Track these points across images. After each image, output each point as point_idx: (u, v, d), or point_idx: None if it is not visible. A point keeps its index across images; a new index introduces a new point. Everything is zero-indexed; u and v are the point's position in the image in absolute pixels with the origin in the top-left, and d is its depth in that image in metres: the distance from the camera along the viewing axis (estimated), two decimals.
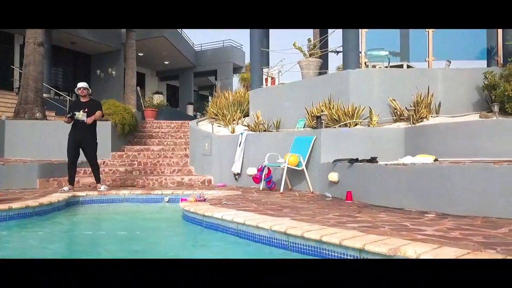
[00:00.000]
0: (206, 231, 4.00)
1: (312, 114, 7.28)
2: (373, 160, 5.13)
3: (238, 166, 7.44)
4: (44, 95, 15.98)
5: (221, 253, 3.33)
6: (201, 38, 44.22)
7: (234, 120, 9.36)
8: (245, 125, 8.77)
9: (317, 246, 2.80)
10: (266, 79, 9.16)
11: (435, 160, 4.76)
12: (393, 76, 7.21)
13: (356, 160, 5.30)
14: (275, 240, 3.15)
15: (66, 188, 6.47)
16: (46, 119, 10.68)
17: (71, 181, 6.66)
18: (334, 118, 6.91)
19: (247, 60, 23.71)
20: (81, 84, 6.69)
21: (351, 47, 7.46)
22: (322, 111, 7.05)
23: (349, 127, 6.66)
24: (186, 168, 8.88)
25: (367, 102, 6.96)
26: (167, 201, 6.27)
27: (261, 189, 6.58)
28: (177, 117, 15.86)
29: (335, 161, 5.68)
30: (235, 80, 23.52)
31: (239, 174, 7.53)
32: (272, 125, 8.22)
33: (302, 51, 8.33)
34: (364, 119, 6.93)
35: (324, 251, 2.75)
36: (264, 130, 8.05)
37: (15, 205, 4.58)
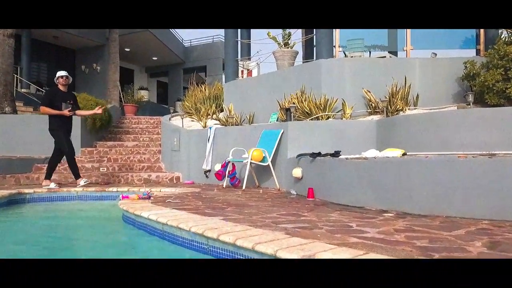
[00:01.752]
0: (136, 231, 3.57)
1: (283, 107, 6.85)
2: (336, 154, 4.70)
3: (208, 162, 7.00)
4: (23, 90, 15.68)
5: (142, 255, 2.90)
6: (190, 34, 43.57)
7: (209, 114, 8.93)
8: (217, 120, 8.34)
9: (234, 250, 2.38)
10: (242, 72, 8.72)
11: (404, 154, 4.32)
12: (367, 66, 6.76)
13: (319, 154, 4.86)
14: (195, 243, 2.72)
15: (53, 185, 6.21)
16: (17, 114, 10.26)
17: (50, 176, 6.44)
18: (306, 111, 6.47)
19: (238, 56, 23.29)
20: (64, 73, 6.43)
21: (323, 35, 7.00)
22: (293, 104, 6.62)
23: (321, 120, 6.23)
24: (156, 165, 8.45)
25: (341, 94, 6.52)
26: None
27: (224, 186, 6.15)
28: (162, 114, 15.42)
29: (298, 155, 5.25)
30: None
31: (209, 171, 7.09)
32: (246, 119, 7.79)
33: (277, 41, 7.88)
34: (337, 112, 6.50)
35: (240, 256, 2.32)
36: (236, 124, 7.61)
37: None
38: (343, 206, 4.09)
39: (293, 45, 7.88)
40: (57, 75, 6.43)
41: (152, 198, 4.54)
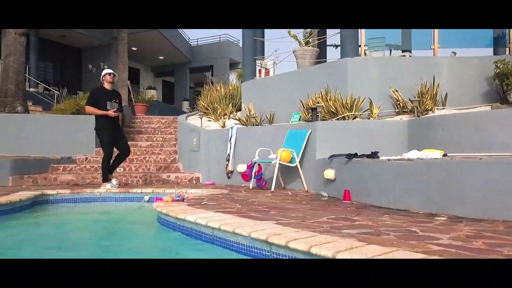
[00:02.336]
0: (176, 235, 3.42)
1: (307, 107, 6.71)
2: (373, 155, 4.56)
3: (230, 163, 6.86)
4: (32, 89, 15.51)
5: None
6: (196, 33, 43.39)
7: (226, 114, 8.79)
8: (236, 119, 8.20)
9: (306, 258, 2.23)
10: (260, 71, 8.58)
11: (444, 155, 4.19)
12: (394, 65, 6.63)
13: (355, 155, 4.72)
14: (255, 249, 2.57)
15: (114, 181, 6.18)
16: (29, 113, 10.11)
17: (112, 172, 6.41)
18: (331, 111, 6.33)
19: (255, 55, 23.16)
20: (111, 70, 6.38)
21: (349, 34, 6.86)
22: (318, 103, 6.49)
23: (347, 120, 6.09)
24: (173, 165, 8.30)
25: (367, 93, 6.38)
26: (147, 201, 5.69)
27: (251, 187, 6.01)
28: (170, 113, 15.27)
29: (331, 156, 5.11)
30: (232, 76, 22.94)
31: (231, 172, 6.95)
32: (266, 118, 7.65)
33: (298, 40, 7.74)
34: (363, 112, 6.36)
35: None
36: (256, 124, 7.47)
37: None
38: (386, 209, 3.95)
39: (314, 44, 7.74)
40: (103, 73, 6.30)
41: (185, 200, 4.40)
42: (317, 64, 7.31)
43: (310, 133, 5.80)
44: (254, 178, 5.91)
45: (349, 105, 6.28)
